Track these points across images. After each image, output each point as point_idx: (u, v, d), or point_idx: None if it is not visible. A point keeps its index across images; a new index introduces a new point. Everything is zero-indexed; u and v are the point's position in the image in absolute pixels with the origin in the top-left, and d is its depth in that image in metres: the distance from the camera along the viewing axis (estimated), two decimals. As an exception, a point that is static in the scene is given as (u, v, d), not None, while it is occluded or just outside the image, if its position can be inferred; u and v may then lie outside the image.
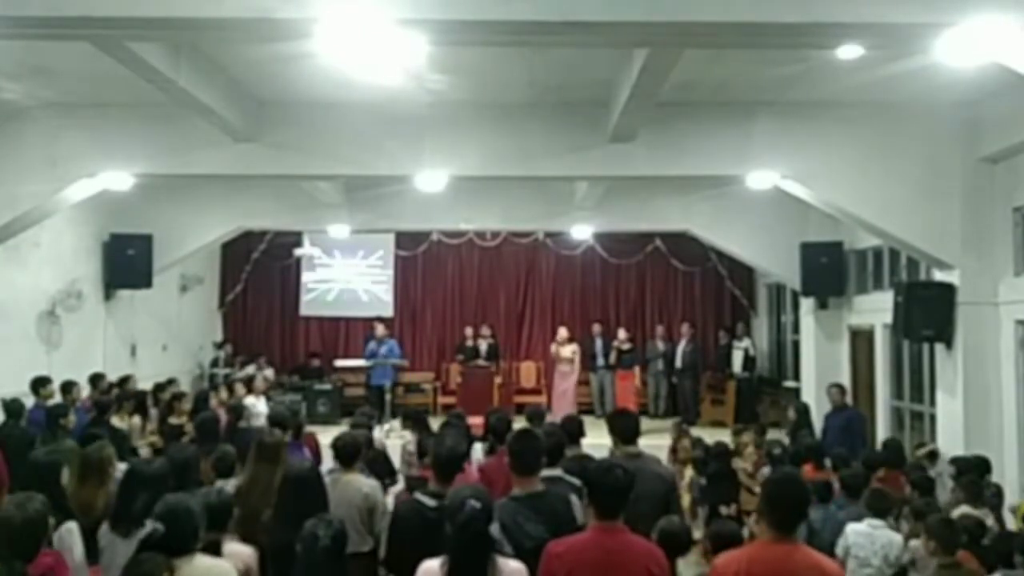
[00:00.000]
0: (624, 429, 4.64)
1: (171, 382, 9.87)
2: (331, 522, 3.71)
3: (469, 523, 3.13)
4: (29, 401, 7.89)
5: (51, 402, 7.84)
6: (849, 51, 6.06)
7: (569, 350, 13.42)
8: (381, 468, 6.11)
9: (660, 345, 13.97)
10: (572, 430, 5.34)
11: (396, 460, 6.98)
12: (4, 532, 3.25)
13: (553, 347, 13.56)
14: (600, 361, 13.79)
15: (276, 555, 3.70)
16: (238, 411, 7.99)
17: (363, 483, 4.88)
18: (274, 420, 6.39)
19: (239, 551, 3.81)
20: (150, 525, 3.35)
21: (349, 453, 4.97)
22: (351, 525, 4.55)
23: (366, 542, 4.66)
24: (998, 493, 6.30)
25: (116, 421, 7.86)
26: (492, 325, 14.69)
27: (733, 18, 4.56)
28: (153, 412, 8.93)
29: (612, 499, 3.31)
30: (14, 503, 3.36)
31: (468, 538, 3.13)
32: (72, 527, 4.04)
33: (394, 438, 9.65)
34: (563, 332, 13.63)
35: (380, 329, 13.31)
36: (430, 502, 3.90)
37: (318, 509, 3.99)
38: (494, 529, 3.52)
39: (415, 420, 7.47)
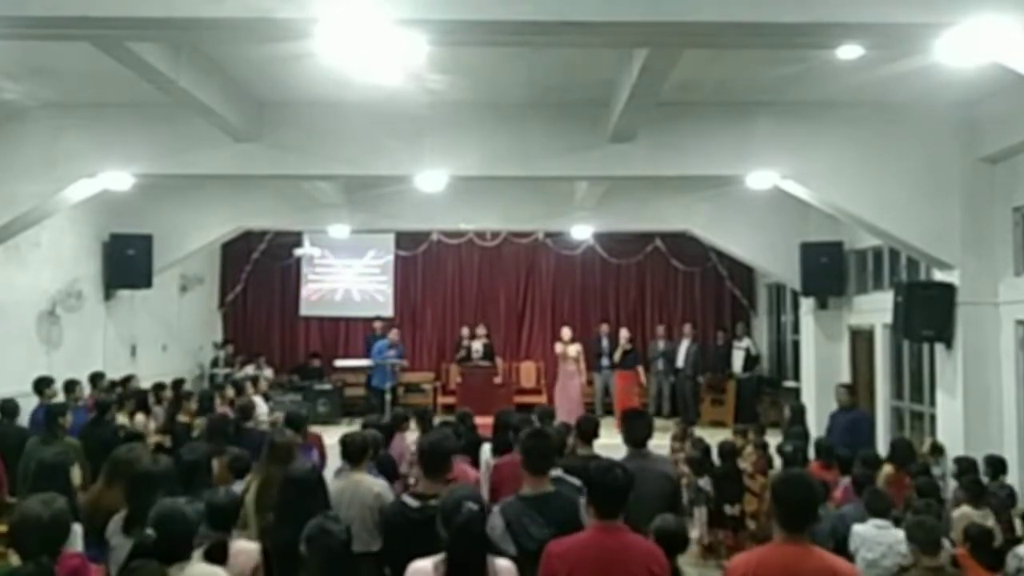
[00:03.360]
0: (637, 431, 4.61)
1: (181, 382, 9.82)
2: (339, 518, 3.72)
3: (468, 525, 3.10)
4: (32, 401, 7.90)
5: (54, 402, 7.83)
6: (849, 51, 6.07)
7: (574, 349, 13.21)
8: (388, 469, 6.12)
9: (661, 345, 13.95)
10: (587, 430, 5.29)
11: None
12: (33, 529, 3.18)
13: (558, 346, 13.34)
14: (606, 361, 13.70)
15: (279, 556, 3.68)
16: (246, 411, 7.95)
17: (374, 483, 4.85)
18: (290, 421, 6.38)
19: (247, 548, 3.81)
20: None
21: (358, 451, 4.96)
22: (362, 525, 4.54)
23: (376, 542, 4.59)
24: (1011, 495, 6.26)
25: (121, 419, 7.87)
26: (488, 324, 14.63)
27: (733, 18, 4.56)
28: (156, 411, 8.91)
29: (612, 498, 3.31)
30: (40, 501, 3.30)
31: (467, 540, 3.10)
32: (78, 529, 4.02)
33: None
34: (567, 332, 13.44)
35: (394, 333, 13.38)
36: (413, 503, 3.90)
37: (320, 510, 3.99)
38: (498, 527, 3.54)
39: (421, 419, 7.45)
